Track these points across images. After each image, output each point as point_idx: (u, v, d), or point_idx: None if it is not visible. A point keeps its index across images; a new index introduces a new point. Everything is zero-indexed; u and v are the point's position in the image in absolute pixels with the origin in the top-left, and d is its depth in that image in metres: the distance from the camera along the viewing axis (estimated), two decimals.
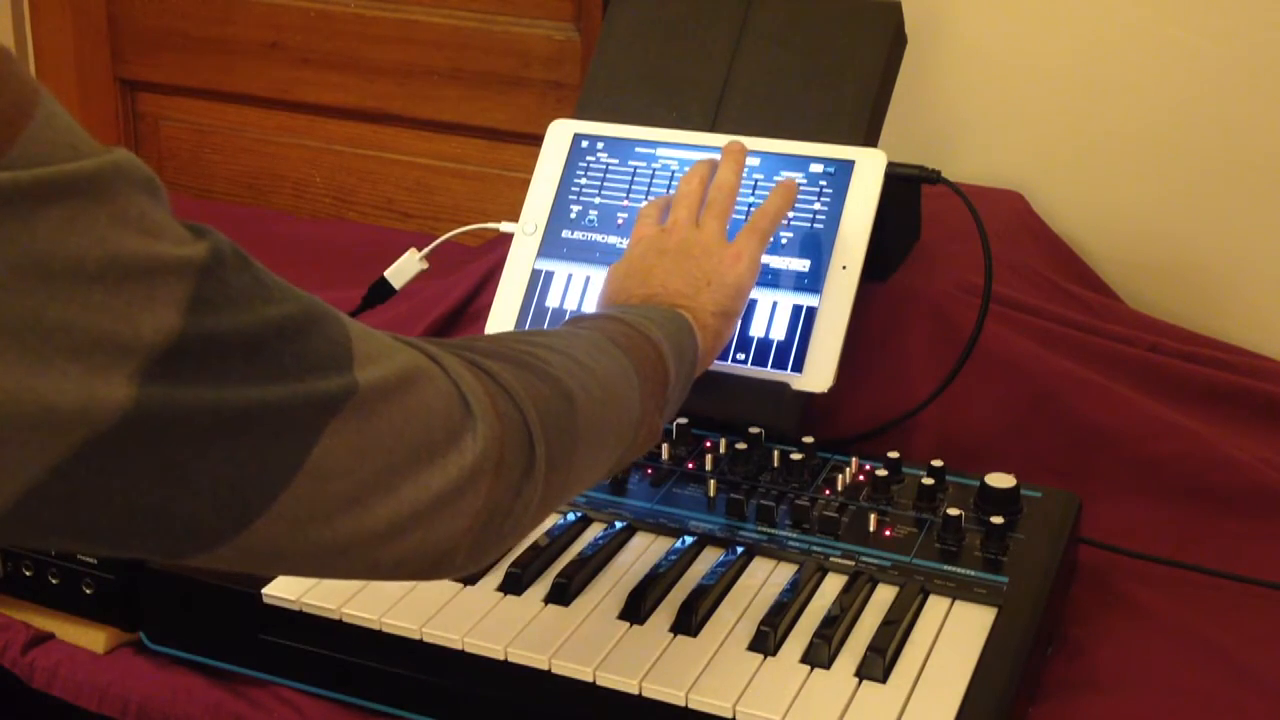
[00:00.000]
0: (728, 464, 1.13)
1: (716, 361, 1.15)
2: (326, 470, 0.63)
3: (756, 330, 1.17)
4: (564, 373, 0.79)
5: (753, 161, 1.22)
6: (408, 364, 0.69)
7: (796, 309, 1.17)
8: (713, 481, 1.10)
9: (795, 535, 1.05)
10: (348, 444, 0.64)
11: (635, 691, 0.91)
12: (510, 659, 0.94)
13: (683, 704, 0.90)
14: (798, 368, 1.15)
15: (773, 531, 1.05)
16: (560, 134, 1.29)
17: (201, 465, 0.59)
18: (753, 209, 1.17)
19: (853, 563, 1.02)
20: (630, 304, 1.01)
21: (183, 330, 0.57)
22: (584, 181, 1.27)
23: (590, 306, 1.21)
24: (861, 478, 1.11)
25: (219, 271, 0.59)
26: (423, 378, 0.69)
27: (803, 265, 1.18)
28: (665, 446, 1.14)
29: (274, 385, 0.61)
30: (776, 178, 1.21)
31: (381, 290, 1.37)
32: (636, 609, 0.97)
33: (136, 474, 0.57)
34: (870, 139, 1.23)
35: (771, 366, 1.16)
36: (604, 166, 1.27)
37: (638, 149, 1.27)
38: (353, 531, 0.66)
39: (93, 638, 1.06)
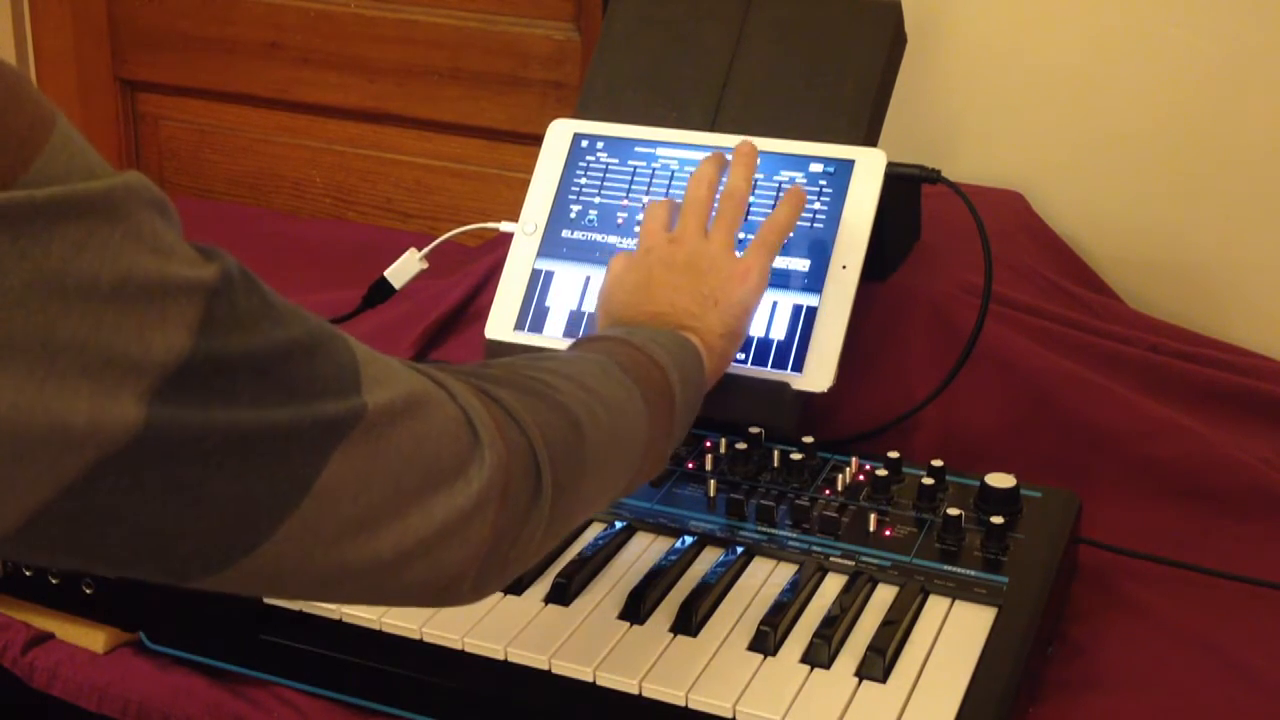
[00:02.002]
0: (728, 464, 1.13)
1: None
2: (334, 494, 0.63)
3: (756, 330, 1.17)
4: (572, 400, 0.78)
5: None
6: (415, 389, 0.68)
7: (796, 309, 1.17)
8: (713, 481, 1.10)
9: (795, 535, 1.05)
10: (355, 468, 0.63)
11: (635, 691, 0.91)
12: (510, 659, 0.94)
13: (683, 704, 0.90)
14: (798, 368, 1.15)
15: (773, 531, 1.05)
16: (560, 134, 1.29)
17: (210, 487, 0.58)
18: (753, 209, 1.17)
19: (853, 563, 1.01)
20: (637, 321, 1.00)
21: (192, 351, 0.57)
22: (584, 181, 1.27)
23: (590, 307, 1.21)
24: (861, 478, 1.11)
25: (228, 293, 0.59)
26: (430, 403, 0.69)
27: (803, 265, 1.18)
28: None
29: (282, 408, 0.60)
30: (777, 178, 1.21)
31: (381, 290, 1.37)
32: (636, 609, 0.97)
33: (145, 495, 0.57)
34: (870, 139, 1.23)
35: (771, 366, 1.16)
36: (604, 166, 1.27)
37: (638, 149, 1.27)
38: (358, 557, 0.65)
39: (93, 638, 1.06)
